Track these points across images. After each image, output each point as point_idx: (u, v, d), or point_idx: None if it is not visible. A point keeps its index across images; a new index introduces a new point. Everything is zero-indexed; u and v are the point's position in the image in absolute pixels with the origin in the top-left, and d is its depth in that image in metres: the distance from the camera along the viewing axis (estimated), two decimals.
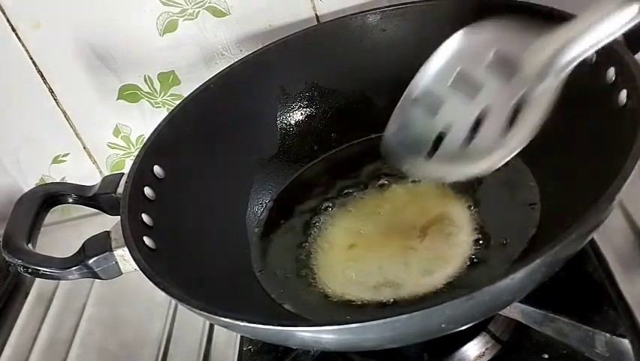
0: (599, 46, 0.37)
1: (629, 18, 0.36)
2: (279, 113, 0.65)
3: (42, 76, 0.71)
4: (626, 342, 0.44)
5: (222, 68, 0.63)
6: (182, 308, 0.43)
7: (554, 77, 0.39)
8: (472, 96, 0.42)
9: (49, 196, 0.54)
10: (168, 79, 0.71)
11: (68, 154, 0.77)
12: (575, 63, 0.39)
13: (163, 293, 0.42)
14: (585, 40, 0.38)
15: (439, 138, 0.44)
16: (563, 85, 0.40)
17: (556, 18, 0.43)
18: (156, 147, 0.55)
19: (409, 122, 0.45)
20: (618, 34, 0.37)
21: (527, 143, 0.41)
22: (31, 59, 0.69)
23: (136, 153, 0.55)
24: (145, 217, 0.50)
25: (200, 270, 0.51)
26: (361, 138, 0.66)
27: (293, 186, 0.64)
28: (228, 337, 0.58)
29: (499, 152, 0.41)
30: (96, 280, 0.48)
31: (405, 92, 0.46)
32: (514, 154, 0.41)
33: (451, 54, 0.43)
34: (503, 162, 0.41)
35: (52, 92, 0.72)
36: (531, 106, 0.40)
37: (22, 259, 0.47)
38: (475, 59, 0.42)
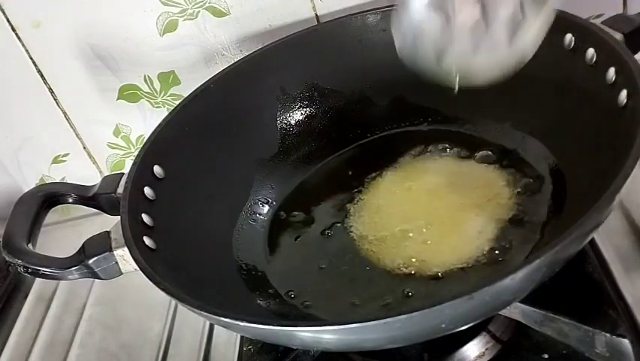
0: None
1: None
2: (279, 113, 0.65)
3: (42, 76, 0.70)
4: (626, 342, 0.44)
5: (222, 68, 0.63)
6: (182, 308, 0.43)
7: None
8: None
9: (49, 196, 0.54)
10: (168, 79, 0.71)
11: (68, 154, 0.77)
12: None
13: (163, 293, 0.42)
14: None
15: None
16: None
17: None
18: (156, 147, 0.55)
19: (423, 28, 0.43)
20: None
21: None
22: (31, 59, 0.69)
23: (136, 153, 0.55)
24: (145, 217, 0.50)
25: (200, 270, 0.51)
26: (361, 137, 0.66)
27: (293, 185, 0.64)
28: (228, 337, 0.58)
29: (528, 30, 0.39)
30: (96, 280, 0.48)
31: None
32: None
33: None
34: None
35: (52, 92, 0.72)
36: None
37: (22, 259, 0.47)
38: None
